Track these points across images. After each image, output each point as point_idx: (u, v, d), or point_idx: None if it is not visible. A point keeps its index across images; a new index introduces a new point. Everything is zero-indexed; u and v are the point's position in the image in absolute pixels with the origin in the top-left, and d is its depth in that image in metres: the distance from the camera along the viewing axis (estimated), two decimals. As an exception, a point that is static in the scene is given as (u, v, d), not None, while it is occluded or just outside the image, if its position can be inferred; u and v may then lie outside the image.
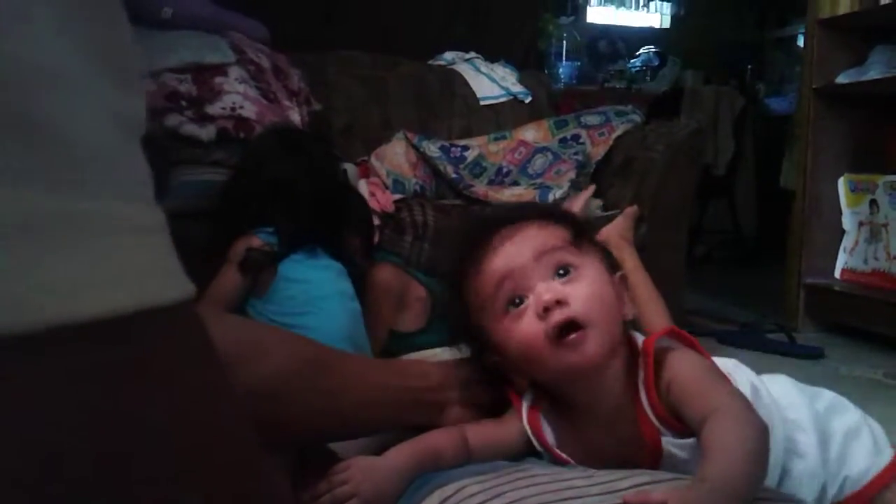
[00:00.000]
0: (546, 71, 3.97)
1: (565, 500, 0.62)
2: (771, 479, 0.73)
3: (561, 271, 0.72)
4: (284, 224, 1.37)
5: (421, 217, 1.88)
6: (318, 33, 2.45)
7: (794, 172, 2.73)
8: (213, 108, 1.68)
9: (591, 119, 2.33)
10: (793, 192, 2.64)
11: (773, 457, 0.70)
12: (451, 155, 2.28)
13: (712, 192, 3.84)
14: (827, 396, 0.86)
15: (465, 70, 2.54)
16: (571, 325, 0.69)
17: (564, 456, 0.74)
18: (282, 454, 0.74)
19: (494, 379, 0.80)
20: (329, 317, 1.33)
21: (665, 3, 5.10)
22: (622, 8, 5.03)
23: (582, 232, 0.77)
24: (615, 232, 1.48)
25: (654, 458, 0.71)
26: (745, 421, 0.63)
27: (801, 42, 4.02)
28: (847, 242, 2.46)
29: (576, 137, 2.28)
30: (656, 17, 5.12)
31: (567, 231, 0.75)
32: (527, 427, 0.76)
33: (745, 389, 0.77)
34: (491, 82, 2.53)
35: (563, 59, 4.51)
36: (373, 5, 2.56)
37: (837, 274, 2.48)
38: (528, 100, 2.53)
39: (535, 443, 0.76)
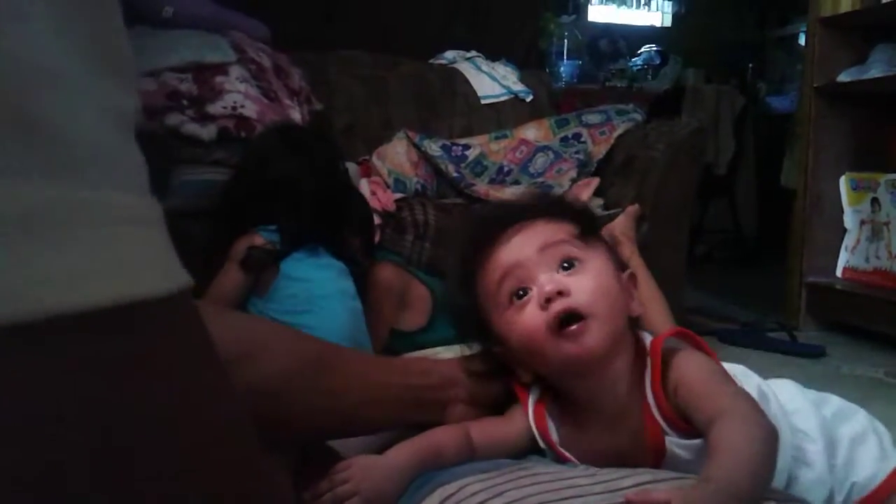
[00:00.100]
0: (547, 70, 3.96)
1: (567, 498, 0.62)
2: (777, 486, 0.73)
3: (566, 264, 0.72)
4: (287, 223, 1.37)
5: (422, 216, 1.88)
6: (319, 33, 2.45)
7: (795, 171, 2.73)
8: (214, 108, 1.68)
9: (593, 118, 2.33)
10: (794, 191, 2.63)
11: (781, 464, 0.70)
12: (453, 154, 2.28)
13: (713, 191, 3.84)
14: (834, 402, 0.85)
15: (466, 69, 2.54)
16: (573, 317, 0.69)
17: (567, 454, 0.74)
18: (283, 452, 0.74)
19: (500, 373, 0.80)
20: (330, 316, 1.33)
21: (666, 2, 5.10)
22: (623, 7, 5.02)
23: (589, 226, 0.77)
24: (617, 230, 1.49)
25: (656, 459, 0.71)
26: (754, 422, 0.63)
27: (802, 41, 4.02)
28: (849, 241, 2.46)
29: (577, 136, 2.28)
30: (657, 16, 5.11)
31: (574, 225, 0.75)
32: (532, 424, 0.76)
33: (754, 395, 0.77)
34: (492, 81, 2.53)
35: (564, 57, 4.50)
36: (373, 4, 2.56)
37: (839, 272, 2.48)
38: (529, 99, 2.53)
39: (539, 440, 0.76)
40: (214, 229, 1.45)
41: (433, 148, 2.24)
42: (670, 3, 5.10)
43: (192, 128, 1.65)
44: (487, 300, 0.75)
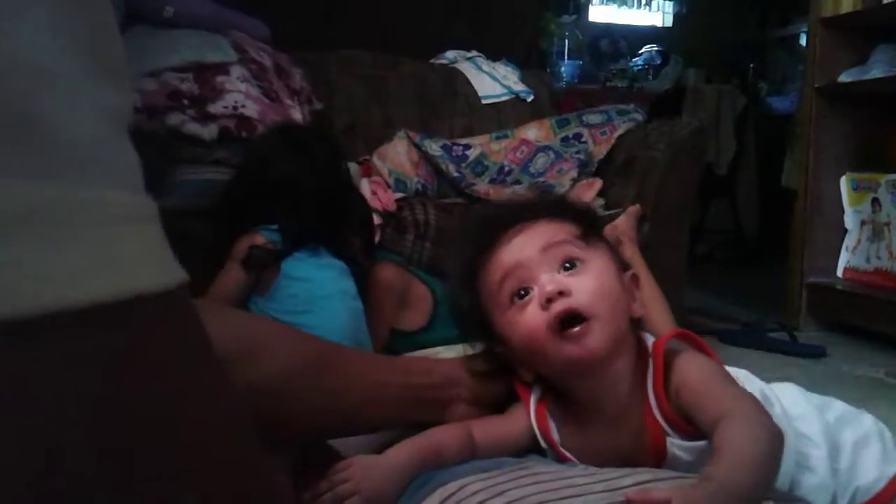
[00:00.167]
0: (548, 70, 3.96)
1: (567, 497, 0.62)
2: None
3: (567, 264, 0.72)
4: (288, 222, 1.37)
5: (423, 216, 1.88)
6: (320, 32, 2.46)
7: (795, 171, 2.73)
8: (215, 107, 1.68)
9: (593, 118, 2.33)
10: (794, 192, 2.63)
11: (783, 469, 0.69)
12: (453, 154, 2.28)
13: (714, 192, 3.84)
14: (837, 406, 0.84)
15: (466, 69, 2.54)
16: (574, 318, 0.69)
17: (568, 454, 0.74)
18: (284, 452, 0.74)
19: (502, 373, 0.80)
20: (331, 315, 1.33)
21: (667, 2, 5.09)
22: (624, 7, 5.02)
23: (591, 227, 0.77)
24: (619, 231, 1.48)
25: (657, 460, 0.71)
26: (757, 423, 0.63)
27: (803, 41, 4.01)
28: (849, 241, 2.46)
29: (578, 136, 2.28)
30: (658, 16, 5.11)
31: (576, 225, 0.75)
32: (534, 423, 0.76)
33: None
34: (493, 81, 2.53)
35: (565, 57, 4.50)
36: (374, 4, 2.56)
37: (839, 273, 2.48)
38: (529, 98, 2.53)
39: (540, 440, 0.76)
40: (216, 228, 1.45)
41: (434, 148, 2.24)
42: (671, 3, 5.09)
43: (193, 127, 1.65)
44: (489, 300, 0.75)
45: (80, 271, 0.27)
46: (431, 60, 2.59)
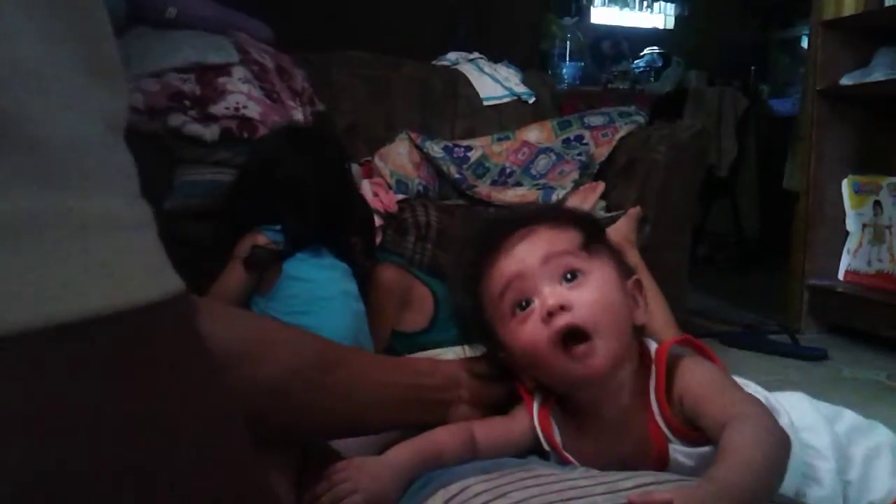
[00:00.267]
0: (549, 71, 3.97)
1: (570, 500, 0.62)
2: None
3: (568, 276, 0.72)
4: (291, 223, 1.38)
5: (424, 217, 1.88)
6: (321, 34, 2.46)
7: (797, 174, 2.73)
8: (217, 108, 1.69)
9: (595, 120, 2.33)
10: (796, 194, 2.63)
11: (788, 481, 0.69)
12: (455, 155, 2.28)
13: (715, 194, 3.84)
14: (848, 417, 0.83)
15: (468, 70, 2.54)
16: (577, 334, 0.69)
17: (570, 458, 0.74)
18: (285, 452, 0.74)
19: (504, 375, 0.80)
20: (332, 317, 1.33)
21: (669, 4, 5.09)
22: (626, 9, 5.02)
23: (594, 236, 0.76)
24: (619, 233, 1.48)
25: (660, 466, 0.70)
26: (763, 427, 0.62)
27: (804, 43, 4.01)
28: (850, 244, 2.46)
29: (579, 138, 2.28)
30: (660, 18, 5.11)
31: (579, 235, 0.75)
32: (537, 425, 0.76)
33: None
34: (494, 83, 2.53)
35: (567, 59, 4.50)
36: (376, 6, 2.56)
37: (841, 275, 2.48)
38: (531, 100, 2.53)
39: (543, 442, 0.76)
40: (218, 228, 1.45)
41: (435, 149, 2.24)
42: (673, 5, 5.09)
43: (195, 128, 1.65)
44: (491, 308, 0.75)
45: (74, 280, 0.27)
46: (433, 62, 2.59)
